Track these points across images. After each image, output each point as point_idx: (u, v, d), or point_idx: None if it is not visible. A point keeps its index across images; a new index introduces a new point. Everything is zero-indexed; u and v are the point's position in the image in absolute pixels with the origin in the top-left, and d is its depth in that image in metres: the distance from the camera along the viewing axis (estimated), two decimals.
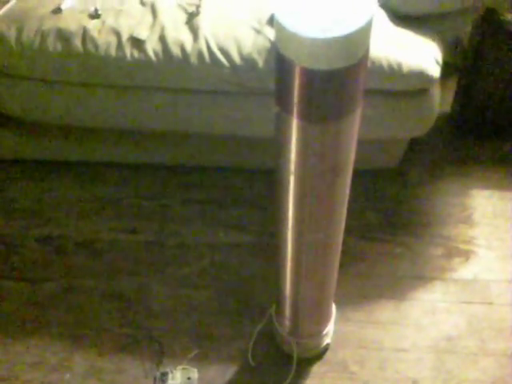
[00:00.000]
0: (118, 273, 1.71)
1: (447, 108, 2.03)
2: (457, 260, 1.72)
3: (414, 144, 1.86)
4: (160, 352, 1.55)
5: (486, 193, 1.87)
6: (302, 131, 0.93)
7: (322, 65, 0.81)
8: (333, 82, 0.84)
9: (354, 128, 0.95)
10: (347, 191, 1.09)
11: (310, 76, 0.84)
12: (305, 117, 0.90)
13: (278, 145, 1.01)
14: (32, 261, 1.74)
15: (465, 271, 1.70)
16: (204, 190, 1.90)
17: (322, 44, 0.78)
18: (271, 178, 1.86)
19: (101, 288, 1.68)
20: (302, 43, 0.79)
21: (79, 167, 1.95)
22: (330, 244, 1.19)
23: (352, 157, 1.01)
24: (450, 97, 2.00)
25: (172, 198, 1.88)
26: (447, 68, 1.55)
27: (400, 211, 1.83)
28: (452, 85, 1.98)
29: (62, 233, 1.80)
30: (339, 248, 1.23)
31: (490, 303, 1.63)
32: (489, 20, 1.67)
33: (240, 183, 1.90)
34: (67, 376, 1.51)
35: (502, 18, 1.66)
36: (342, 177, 1.03)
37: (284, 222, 1.14)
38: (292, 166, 1.01)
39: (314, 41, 0.78)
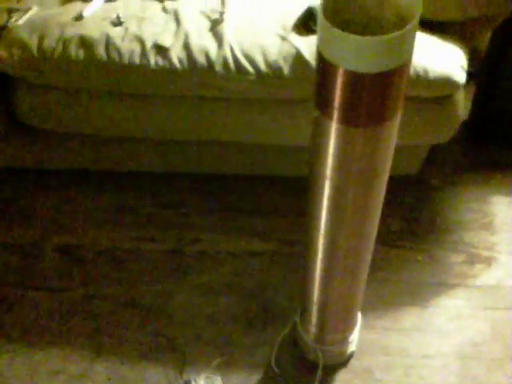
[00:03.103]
0: (138, 281, 1.70)
1: (465, 115, 2.03)
2: (479, 266, 1.72)
3: (433, 151, 1.86)
4: (182, 360, 1.54)
5: (505, 199, 1.87)
6: (342, 136, 0.93)
7: (367, 67, 0.81)
8: (377, 86, 0.84)
9: (394, 132, 0.95)
10: (382, 196, 1.08)
11: (353, 79, 0.83)
12: (346, 121, 0.90)
13: (314, 149, 1.01)
14: (51, 270, 1.73)
15: (487, 277, 1.69)
16: (223, 198, 1.89)
17: (370, 44, 0.78)
18: (293, 185, 1.87)
19: (121, 296, 1.66)
20: (349, 44, 0.79)
21: (96, 176, 1.94)
22: (362, 250, 1.18)
23: (390, 160, 1.01)
24: (467, 104, 2.00)
25: (191, 207, 1.87)
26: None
27: (421, 218, 1.83)
28: (469, 92, 1.97)
29: (80, 242, 1.79)
30: (370, 254, 1.23)
31: None
32: (508, 28, 1.67)
33: (260, 191, 1.90)
34: None
35: None
36: (378, 181, 1.02)
37: (316, 228, 1.13)
38: (328, 171, 1.00)
39: (361, 41, 0.78)
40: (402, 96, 0.89)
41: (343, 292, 1.30)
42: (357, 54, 0.80)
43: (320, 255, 1.20)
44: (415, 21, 0.78)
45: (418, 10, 0.79)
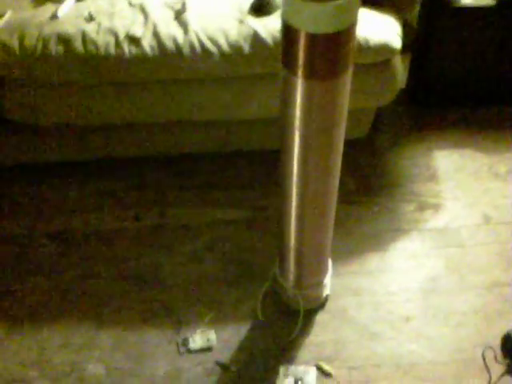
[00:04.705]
0: (128, 256, 1.85)
1: (403, 82, 2.27)
2: (428, 212, 1.95)
3: (379, 116, 2.08)
4: (178, 320, 1.70)
5: (445, 152, 2.12)
6: (307, 89, 1.12)
7: (323, 29, 1.00)
8: (332, 44, 1.03)
9: (347, 85, 1.15)
10: (341, 144, 1.28)
11: (312, 40, 1.03)
12: (309, 76, 1.09)
13: (283, 105, 1.20)
14: (45, 256, 1.86)
15: (436, 221, 1.93)
16: (196, 175, 2.07)
17: (326, 10, 0.97)
18: (260, 159, 2.06)
19: (114, 271, 1.82)
20: (309, 10, 0.98)
21: (75, 166, 2.08)
22: (329, 194, 1.38)
23: (346, 111, 1.21)
24: (405, 73, 2.23)
25: (168, 186, 2.04)
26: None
27: (373, 176, 2.06)
28: (405, 62, 2.21)
29: (69, 227, 1.93)
30: (336, 198, 1.43)
31: (463, 245, 1.86)
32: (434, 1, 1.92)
33: (227, 166, 2.08)
34: (96, 352, 1.65)
35: None
36: (338, 128, 1.22)
37: (289, 176, 1.32)
38: (297, 122, 1.19)
39: (319, 7, 0.97)
40: (351, 52, 1.09)
41: (315, 236, 1.49)
42: (315, 19, 0.99)
43: (294, 203, 1.39)
44: None
45: None
